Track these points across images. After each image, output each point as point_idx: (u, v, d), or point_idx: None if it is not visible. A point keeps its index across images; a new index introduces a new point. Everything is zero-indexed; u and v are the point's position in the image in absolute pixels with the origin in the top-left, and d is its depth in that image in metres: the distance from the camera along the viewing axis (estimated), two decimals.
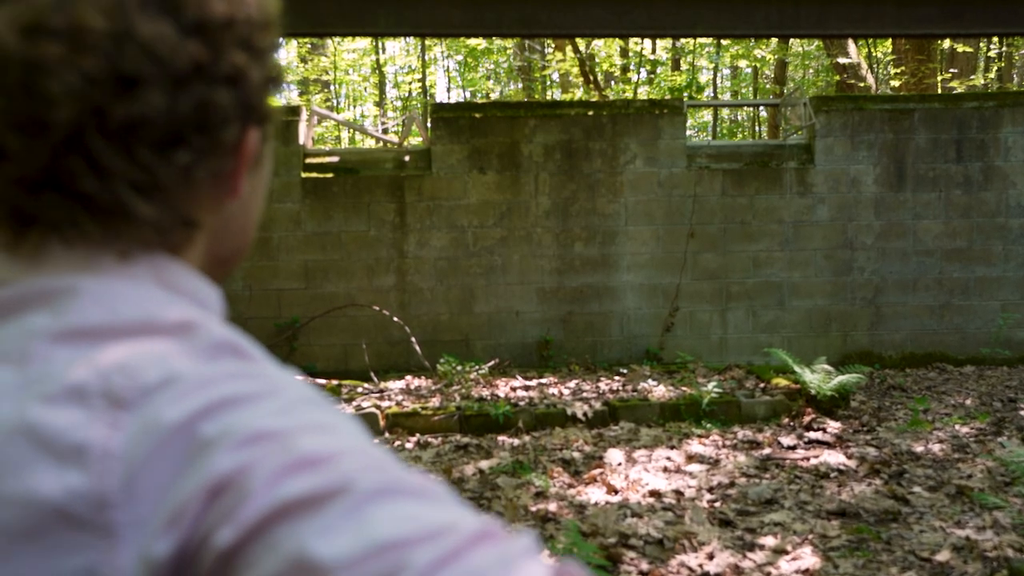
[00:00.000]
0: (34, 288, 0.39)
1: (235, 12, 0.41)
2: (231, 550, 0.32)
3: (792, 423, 4.36)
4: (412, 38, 10.71)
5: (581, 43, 9.11)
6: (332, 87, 12.74)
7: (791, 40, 10.30)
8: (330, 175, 5.64)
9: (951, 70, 9.01)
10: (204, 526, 0.33)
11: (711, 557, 2.66)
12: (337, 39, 10.87)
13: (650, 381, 4.97)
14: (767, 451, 3.87)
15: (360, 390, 4.87)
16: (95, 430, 0.34)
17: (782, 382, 4.76)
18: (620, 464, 3.62)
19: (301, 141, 5.68)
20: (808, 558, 2.65)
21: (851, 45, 8.45)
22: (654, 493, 3.26)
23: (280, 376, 0.39)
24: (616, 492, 3.29)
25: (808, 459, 3.72)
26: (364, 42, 11.26)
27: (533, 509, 3.09)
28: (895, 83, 9.01)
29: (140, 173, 0.40)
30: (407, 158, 5.75)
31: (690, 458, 3.73)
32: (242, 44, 0.42)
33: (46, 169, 0.38)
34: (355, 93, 13.66)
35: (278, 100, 0.51)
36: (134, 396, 0.35)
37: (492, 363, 5.41)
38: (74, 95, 0.37)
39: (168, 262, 0.43)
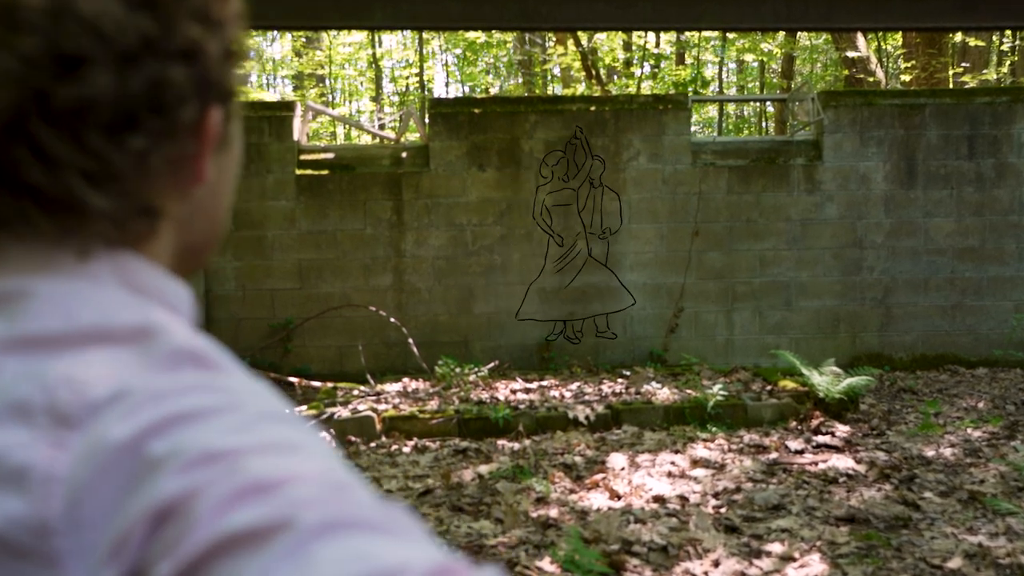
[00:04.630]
0: None
1: None
2: None
3: (800, 427, 4.31)
4: (409, 31, 10.65)
5: (583, 36, 9.02)
6: (327, 82, 12.71)
7: (799, 34, 10.20)
8: (325, 172, 5.58)
9: (963, 64, 8.92)
10: (146, 557, 0.31)
11: (716, 564, 2.62)
12: (333, 33, 10.82)
13: (654, 383, 4.93)
14: (774, 455, 3.83)
15: (356, 393, 4.81)
16: (38, 451, 0.33)
17: (789, 385, 4.69)
18: (623, 469, 3.58)
19: (295, 137, 5.62)
20: (816, 565, 2.61)
21: (860, 39, 8.36)
22: (658, 498, 3.23)
23: (244, 388, 0.37)
24: (619, 497, 3.25)
25: (816, 463, 3.68)
26: (360, 36, 11.20)
27: (534, 515, 3.06)
28: (905, 78, 8.92)
29: (91, 161, 0.37)
30: (404, 155, 5.68)
31: (695, 462, 3.70)
32: (197, 16, 0.40)
33: None
34: (351, 88, 13.67)
35: (245, 81, 0.47)
36: (80, 413, 0.34)
37: (492, 365, 5.34)
38: (12, 78, 0.35)
39: (133, 259, 0.41)
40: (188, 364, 0.37)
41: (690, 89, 9.16)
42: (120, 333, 0.37)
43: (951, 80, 8.75)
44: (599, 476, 3.45)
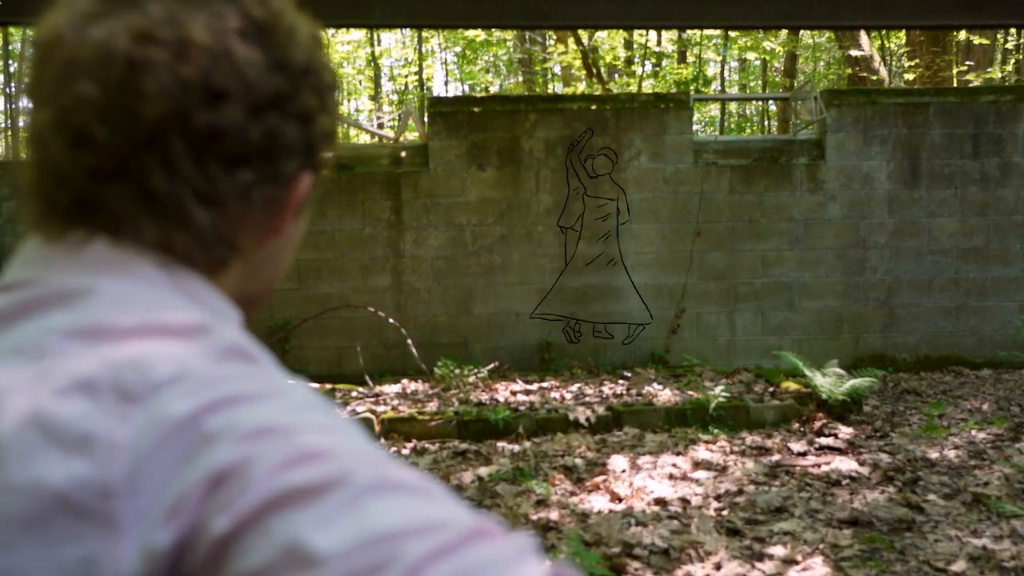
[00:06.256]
0: (55, 288, 0.41)
1: (312, 64, 0.48)
2: (226, 537, 0.33)
3: (802, 428, 4.29)
4: (409, 30, 10.61)
5: (584, 35, 8.99)
6: None
7: (802, 32, 10.16)
8: (323, 171, 5.53)
9: (967, 63, 8.87)
10: (203, 515, 0.34)
11: (718, 567, 2.61)
12: (331, 31, 10.77)
13: (655, 385, 4.90)
14: (776, 457, 3.80)
15: (355, 394, 4.79)
16: (103, 421, 0.36)
17: (792, 386, 4.66)
18: (624, 471, 3.56)
19: None
20: (819, 568, 2.59)
21: (864, 37, 8.31)
22: (659, 501, 3.21)
23: (286, 381, 0.41)
24: (620, 500, 3.23)
25: (819, 466, 3.66)
26: (359, 34, 11.16)
27: (534, 517, 3.05)
28: (909, 76, 8.88)
29: (205, 182, 0.44)
30: (403, 154, 5.65)
31: (696, 465, 3.67)
32: (316, 92, 0.48)
33: (122, 162, 0.42)
34: (350, 87, 13.63)
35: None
36: (143, 390, 0.37)
37: (491, 366, 5.31)
38: (166, 95, 0.41)
39: (191, 275, 0.45)
40: (238, 358, 0.41)
41: (692, 88, 9.12)
42: (178, 329, 0.41)
43: (955, 79, 8.71)
44: (600, 478, 3.43)
